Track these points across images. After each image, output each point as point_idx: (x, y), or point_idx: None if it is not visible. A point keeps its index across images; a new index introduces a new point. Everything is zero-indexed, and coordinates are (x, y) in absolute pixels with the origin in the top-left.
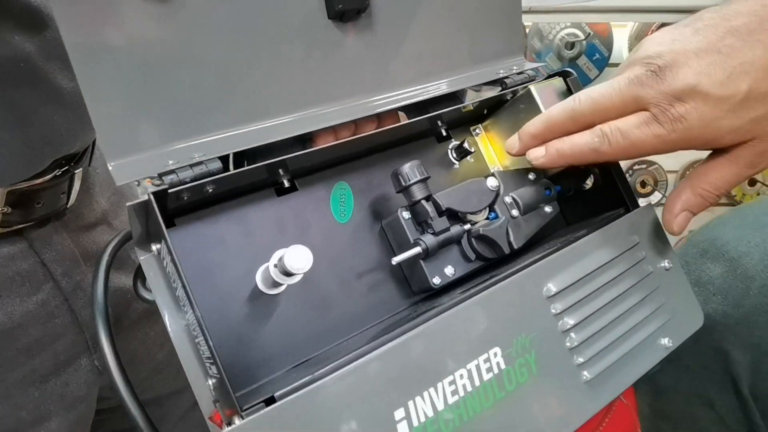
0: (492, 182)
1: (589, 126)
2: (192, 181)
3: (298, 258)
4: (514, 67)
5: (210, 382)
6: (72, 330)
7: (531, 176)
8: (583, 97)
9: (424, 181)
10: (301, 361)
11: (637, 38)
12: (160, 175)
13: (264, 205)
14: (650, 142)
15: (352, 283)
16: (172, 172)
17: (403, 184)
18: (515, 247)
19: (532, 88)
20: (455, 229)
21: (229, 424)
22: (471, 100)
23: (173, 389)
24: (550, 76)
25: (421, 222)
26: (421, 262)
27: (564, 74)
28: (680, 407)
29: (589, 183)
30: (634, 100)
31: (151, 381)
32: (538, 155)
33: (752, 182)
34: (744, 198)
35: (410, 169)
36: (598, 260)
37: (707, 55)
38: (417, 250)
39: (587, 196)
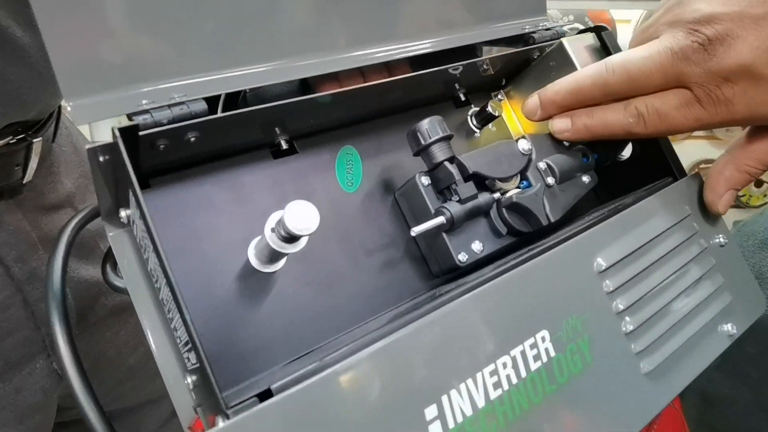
0: (524, 145)
1: (619, 98)
2: (170, 123)
3: (303, 215)
4: (541, 24)
5: (189, 380)
6: (26, 326)
7: (566, 142)
8: (618, 68)
9: (447, 139)
10: (301, 355)
11: None
12: (131, 116)
13: (258, 169)
14: (689, 124)
15: (362, 262)
16: (145, 112)
17: (423, 142)
18: (551, 219)
19: (565, 42)
20: (483, 197)
21: None
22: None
23: (148, 398)
24: (581, 32)
25: (442, 189)
26: (444, 235)
27: (597, 29)
28: (736, 420)
29: (626, 153)
30: (676, 77)
31: (122, 388)
32: (562, 128)
33: (759, 183)
34: (751, 199)
35: (431, 125)
36: (650, 231)
37: None
38: (440, 219)
39: (623, 168)
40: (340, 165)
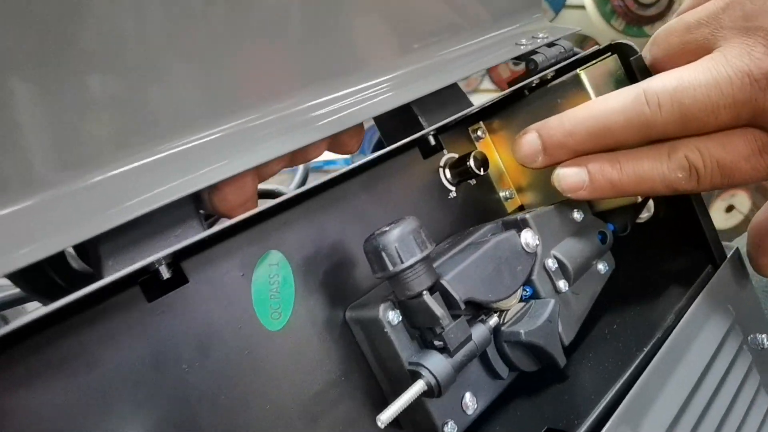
0: (529, 239)
1: (660, 139)
2: None
3: None
4: (540, 34)
5: None
6: None
7: (576, 214)
8: (667, 102)
9: (426, 260)
10: None
11: None
12: None
13: (125, 322)
14: (759, 176)
15: None
16: None
17: (391, 269)
18: (566, 343)
19: (583, 75)
20: (478, 332)
21: None
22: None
23: None
24: (597, 53)
25: (420, 326)
26: (425, 401)
27: (620, 50)
28: None
29: (644, 216)
30: (753, 114)
31: None
32: (576, 183)
33: None
34: None
35: (401, 243)
36: (695, 369)
37: None
38: (420, 387)
39: (634, 234)
40: (260, 287)
